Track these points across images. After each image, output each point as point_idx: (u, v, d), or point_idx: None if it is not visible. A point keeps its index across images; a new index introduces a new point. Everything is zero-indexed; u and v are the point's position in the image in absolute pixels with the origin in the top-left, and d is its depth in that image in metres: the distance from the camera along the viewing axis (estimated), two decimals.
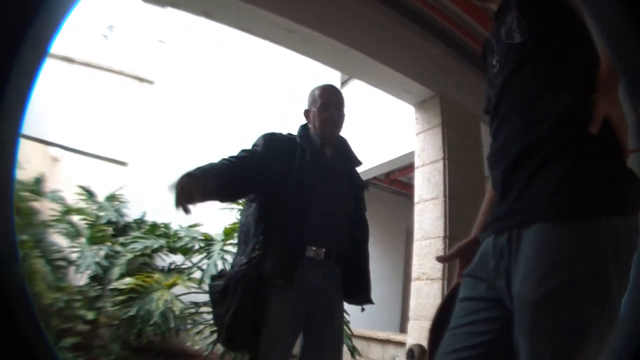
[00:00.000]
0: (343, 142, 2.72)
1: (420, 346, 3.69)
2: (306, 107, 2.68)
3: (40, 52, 0.74)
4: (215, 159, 2.28)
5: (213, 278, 2.52)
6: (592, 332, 1.11)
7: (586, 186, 1.17)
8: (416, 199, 4.56)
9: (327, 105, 2.59)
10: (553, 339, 1.13)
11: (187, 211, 1.97)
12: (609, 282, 1.11)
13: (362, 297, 2.55)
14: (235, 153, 2.37)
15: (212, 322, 2.74)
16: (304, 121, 2.68)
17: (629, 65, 0.75)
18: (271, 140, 2.48)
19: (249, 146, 2.47)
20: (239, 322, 2.21)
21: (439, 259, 3.32)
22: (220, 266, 5.11)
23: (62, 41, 6.92)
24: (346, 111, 2.69)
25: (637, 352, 0.71)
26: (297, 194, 2.33)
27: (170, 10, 4.50)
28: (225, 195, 2.42)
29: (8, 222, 0.74)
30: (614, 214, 1.16)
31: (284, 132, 2.61)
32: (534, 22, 1.35)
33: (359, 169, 2.77)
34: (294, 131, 2.63)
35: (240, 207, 4.37)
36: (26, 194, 6.04)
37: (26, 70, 0.71)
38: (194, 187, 1.98)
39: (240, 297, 2.21)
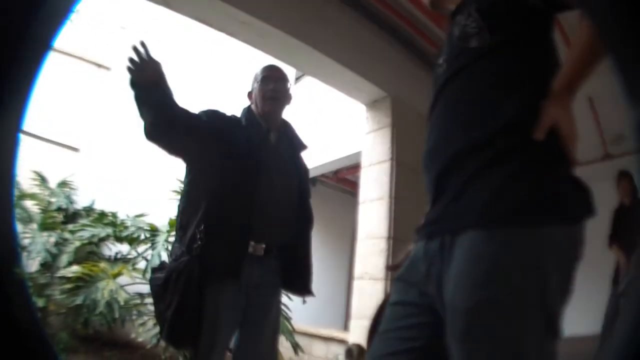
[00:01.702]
0: (287, 126, 2.62)
1: (359, 346, 3.71)
2: (249, 89, 2.59)
3: (41, 50, 0.74)
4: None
5: (153, 271, 2.36)
6: (529, 343, 1.08)
7: (525, 193, 1.14)
8: (361, 199, 4.58)
9: (268, 78, 2.50)
10: (486, 347, 1.10)
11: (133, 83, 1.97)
12: (546, 293, 1.09)
13: (302, 288, 2.50)
14: None
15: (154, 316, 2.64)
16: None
17: (628, 64, 0.74)
18: (215, 116, 2.37)
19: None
20: (181, 319, 2.11)
21: (389, 268, 3.32)
22: (164, 257, 5.03)
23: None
24: (292, 96, 2.60)
25: (637, 352, 0.71)
26: (240, 181, 2.23)
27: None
28: (169, 121, 2.14)
29: (8, 222, 0.73)
30: (554, 224, 1.13)
31: (228, 113, 2.49)
32: (489, 24, 1.31)
33: (304, 155, 2.67)
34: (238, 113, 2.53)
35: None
36: None
37: (27, 69, 0.72)
38: (152, 67, 1.99)
39: (182, 292, 2.10)
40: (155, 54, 2.03)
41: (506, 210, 1.14)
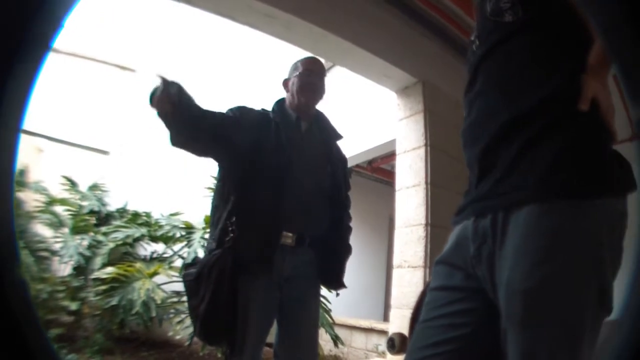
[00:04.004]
0: (321, 117, 2.59)
1: (401, 335, 3.66)
2: (285, 77, 2.56)
3: (41, 49, 0.73)
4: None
5: (186, 266, 2.35)
6: (589, 322, 1.04)
7: (579, 166, 1.10)
8: (397, 186, 4.52)
9: (310, 71, 2.48)
10: (549, 331, 1.04)
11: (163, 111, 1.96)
12: (605, 268, 1.05)
13: (334, 281, 2.46)
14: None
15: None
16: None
17: (628, 64, 0.73)
18: (243, 112, 2.36)
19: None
20: (215, 314, 2.07)
21: None
22: (201, 254, 5.06)
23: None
24: (327, 91, 2.57)
25: (637, 352, 0.68)
26: (270, 173, 2.21)
27: None
28: (192, 131, 2.13)
29: (8, 222, 0.72)
30: (609, 195, 1.10)
31: (256, 107, 2.48)
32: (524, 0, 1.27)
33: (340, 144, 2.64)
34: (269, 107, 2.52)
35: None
36: None
37: (27, 68, 0.70)
38: (168, 97, 1.95)
39: (214, 286, 2.07)
40: (172, 76, 2.00)
41: (562, 184, 1.10)
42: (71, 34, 7.66)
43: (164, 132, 2.10)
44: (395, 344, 3.65)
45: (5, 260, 0.67)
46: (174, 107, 1.97)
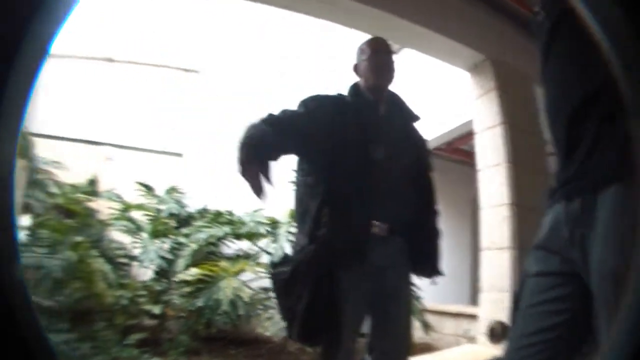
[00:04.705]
0: (396, 98, 2.45)
1: (501, 323, 3.55)
2: (355, 62, 2.44)
3: (41, 50, 0.72)
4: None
5: (275, 265, 2.24)
6: None
7: None
8: (479, 167, 4.41)
9: (377, 50, 2.37)
10: None
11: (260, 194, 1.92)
12: None
13: (431, 269, 2.32)
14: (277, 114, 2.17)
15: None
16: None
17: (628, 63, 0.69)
18: (317, 102, 2.26)
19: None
20: (315, 312, 1.97)
21: None
22: (287, 249, 5.07)
23: (103, 42, 7.09)
24: (397, 73, 2.42)
25: (637, 352, 0.62)
26: (355, 160, 2.12)
27: None
28: (277, 158, 2.07)
29: (8, 221, 0.72)
30: None
31: (331, 94, 2.37)
32: None
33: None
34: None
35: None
36: (80, 195, 6.24)
37: (27, 68, 0.69)
38: (255, 171, 1.91)
39: (312, 284, 1.98)
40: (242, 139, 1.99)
41: None
42: (130, 42, 7.96)
43: (238, 124, 2.08)
44: (497, 332, 3.54)
45: (5, 260, 0.67)
46: (262, 173, 1.94)
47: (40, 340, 0.70)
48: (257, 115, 2.15)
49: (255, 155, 1.95)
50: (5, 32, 0.63)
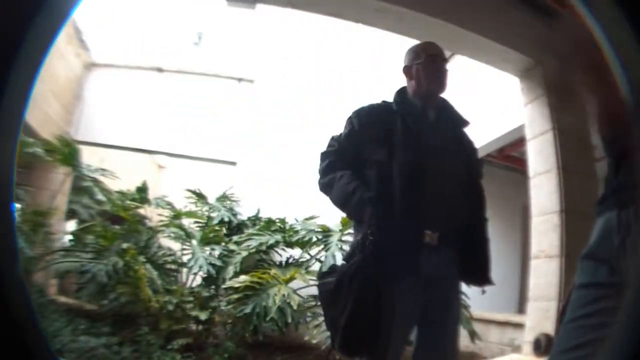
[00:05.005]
0: (446, 104, 2.39)
1: (547, 335, 3.49)
2: (406, 64, 2.39)
3: (42, 48, 0.74)
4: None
5: (322, 275, 2.22)
6: None
7: None
8: (530, 173, 4.35)
9: (435, 57, 2.33)
10: None
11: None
12: None
13: (481, 277, 2.27)
14: (327, 146, 2.27)
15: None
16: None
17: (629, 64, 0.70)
18: (362, 118, 2.26)
19: (339, 132, 2.31)
20: (358, 325, 1.96)
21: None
22: (339, 257, 5.06)
23: (153, 52, 7.29)
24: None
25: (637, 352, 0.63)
26: (404, 171, 2.09)
27: (256, 9, 4.55)
28: None
29: (8, 222, 0.74)
30: None
31: (376, 102, 2.35)
32: None
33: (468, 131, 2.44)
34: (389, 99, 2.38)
35: None
36: (129, 202, 6.44)
37: (28, 66, 0.71)
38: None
39: (357, 295, 1.96)
40: None
41: None
42: (180, 50, 8.11)
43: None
44: (542, 345, 3.49)
45: (5, 260, 0.69)
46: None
47: (39, 339, 0.72)
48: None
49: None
50: (7, 30, 0.65)
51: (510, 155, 7.97)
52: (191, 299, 5.51)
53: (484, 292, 2.33)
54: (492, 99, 6.33)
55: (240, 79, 8.08)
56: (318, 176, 2.27)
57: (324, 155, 2.28)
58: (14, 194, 0.78)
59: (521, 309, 5.56)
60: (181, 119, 7.63)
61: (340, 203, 2.19)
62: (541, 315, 3.84)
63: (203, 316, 5.29)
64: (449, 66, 2.44)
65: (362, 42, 7.72)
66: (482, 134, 6.08)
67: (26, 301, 0.74)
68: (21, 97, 0.72)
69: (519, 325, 5.12)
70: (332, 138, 2.31)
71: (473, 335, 5.10)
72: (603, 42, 0.74)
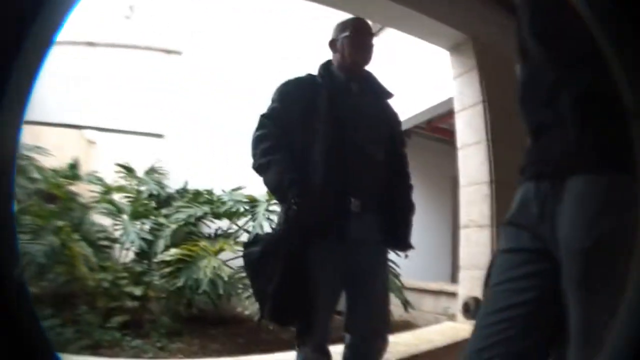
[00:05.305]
0: (370, 77, 2.46)
1: (475, 299, 3.60)
2: (332, 37, 2.43)
3: (42, 46, 0.73)
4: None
5: (246, 245, 2.21)
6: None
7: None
8: (459, 145, 4.45)
9: (359, 30, 2.37)
10: (606, 290, 1.01)
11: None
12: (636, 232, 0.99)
13: (401, 242, 2.34)
14: (258, 128, 2.25)
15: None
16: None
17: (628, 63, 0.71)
18: (287, 92, 2.30)
19: (266, 106, 2.32)
20: (285, 293, 1.97)
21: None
22: (267, 227, 5.10)
23: (84, 27, 6.99)
24: (378, 54, 2.46)
25: (637, 352, 0.64)
26: (327, 142, 2.13)
27: None
28: None
29: (8, 221, 0.73)
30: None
31: (301, 75, 2.38)
32: None
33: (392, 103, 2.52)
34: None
35: None
36: (61, 180, 6.17)
37: (29, 65, 0.71)
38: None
39: (282, 264, 1.98)
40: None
41: (618, 157, 1.03)
42: (111, 24, 7.82)
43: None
44: (471, 308, 3.59)
45: (5, 260, 0.67)
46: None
47: (40, 339, 0.71)
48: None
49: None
50: (7, 30, 0.63)
51: (439, 126, 8.14)
52: (125, 274, 5.38)
53: (406, 256, 2.43)
54: (422, 72, 6.41)
55: (168, 51, 7.87)
56: (252, 160, 2.22)
57: (256, 140, 2.24)
58: (14, 194, 0.75)
59: (454, 278, 5.73)
60: (111, 93, 7.36)
61: (271, 190, 2.22)
62: (474, 283, 3.96)
63: (137, 292, 5.19)
64: (377, 40, 2.47)
65: (291, 13, 7.65)
66: (410, 106, 6.18)
67: (27, 302, 0.73)
68: (21, 97, 0.71)
69: (452, 294, 5.29)
70: (262, 116, 2.29)
71: (406, 304, 5.21)
72: (603, 42, 0.74)
